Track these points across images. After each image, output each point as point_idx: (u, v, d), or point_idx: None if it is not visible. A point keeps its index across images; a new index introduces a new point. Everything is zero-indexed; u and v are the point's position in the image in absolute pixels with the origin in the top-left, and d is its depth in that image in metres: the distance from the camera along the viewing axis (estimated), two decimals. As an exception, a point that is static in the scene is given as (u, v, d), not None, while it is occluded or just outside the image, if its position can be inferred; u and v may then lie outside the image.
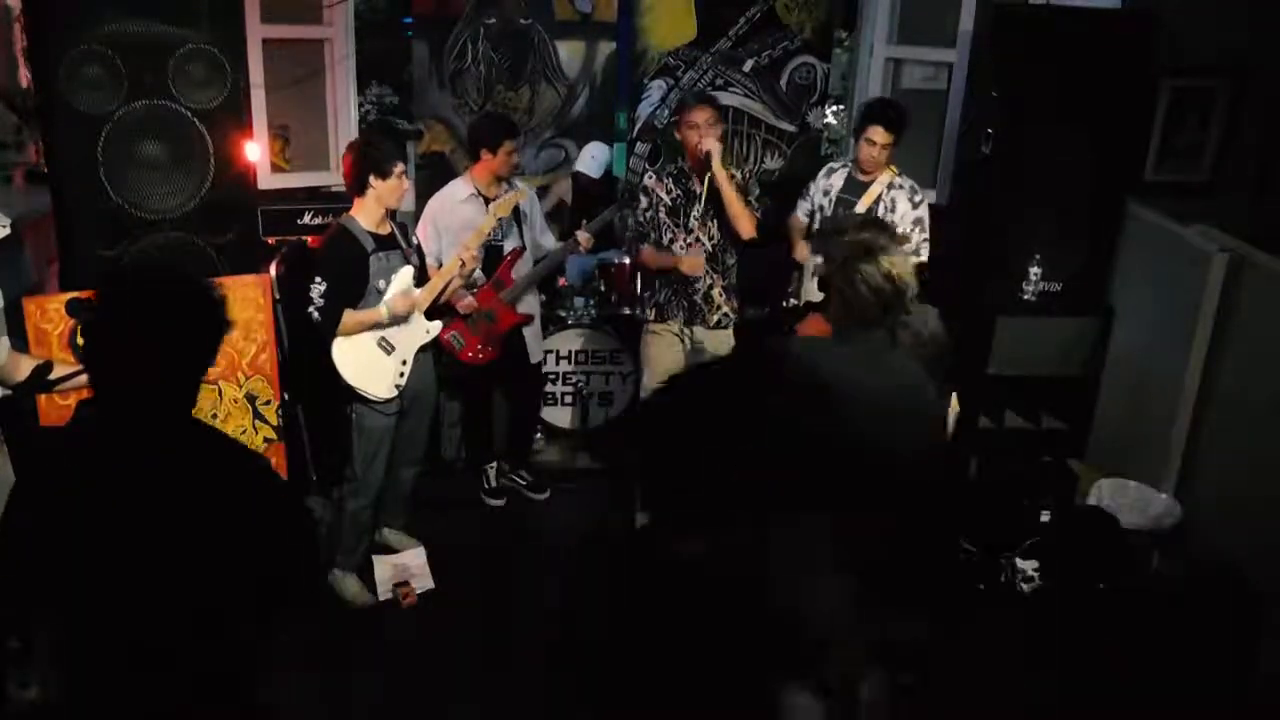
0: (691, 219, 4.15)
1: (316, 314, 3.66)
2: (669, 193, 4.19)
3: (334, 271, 3.68)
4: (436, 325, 4.03)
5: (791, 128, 5.76)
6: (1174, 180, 4.83)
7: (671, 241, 4.19)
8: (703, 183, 4.04)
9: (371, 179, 3.66)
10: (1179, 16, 4.37)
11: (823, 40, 5.67)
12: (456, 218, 4.35)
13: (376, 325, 3.79)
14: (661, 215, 4.19)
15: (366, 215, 3.74)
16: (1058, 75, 4.35)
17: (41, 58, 3.43)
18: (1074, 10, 4.51)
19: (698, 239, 4.16)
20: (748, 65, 5.64)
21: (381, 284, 3.77)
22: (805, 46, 5.64)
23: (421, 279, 3.93)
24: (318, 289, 3.65)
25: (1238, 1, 4.55)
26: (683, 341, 4.28)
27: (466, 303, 4.37)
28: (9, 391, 2.92)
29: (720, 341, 4.25)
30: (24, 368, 2.89)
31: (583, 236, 4.55)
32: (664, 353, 4.26)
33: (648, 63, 5.59)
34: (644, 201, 4.22)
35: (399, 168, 3.70)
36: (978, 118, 4.81)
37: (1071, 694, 3.48)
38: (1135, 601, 3.83)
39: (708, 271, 4.17)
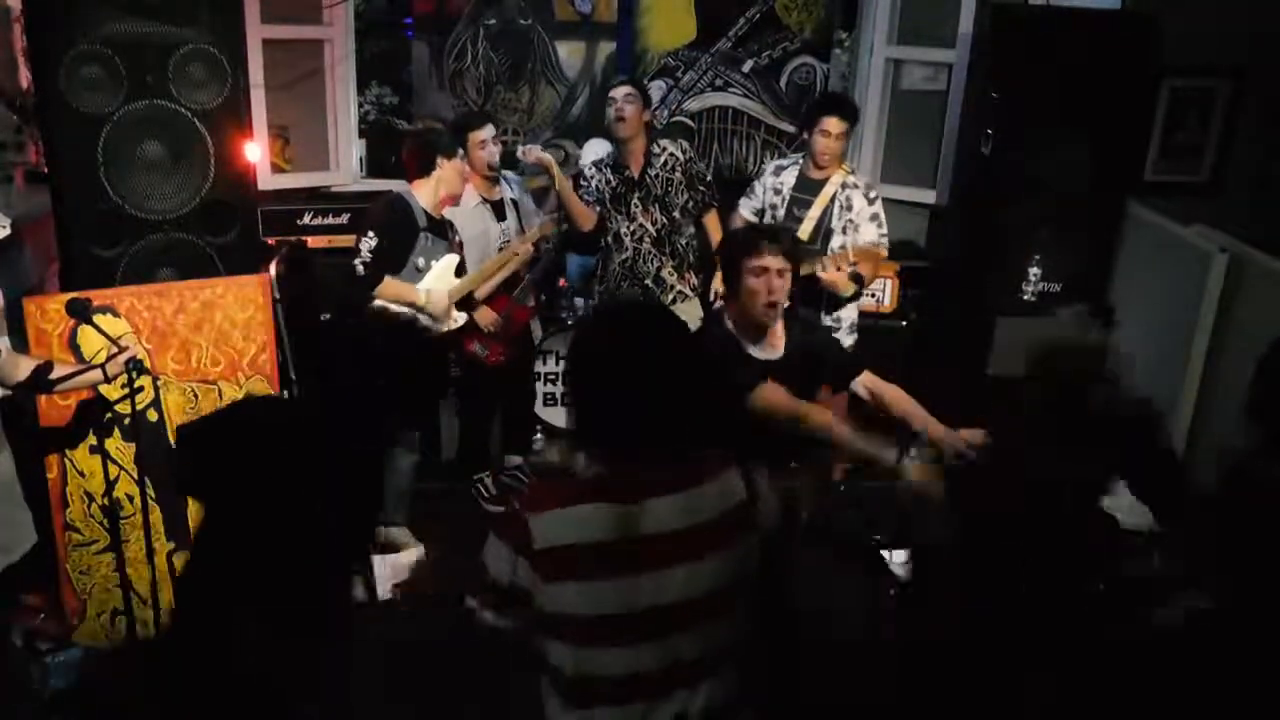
0: (633, 206, 4.31)
1: (361, 268, 3.72)
2: (608, 183, 4.28)
3: (387, 232, 3.76)
4: (462, 317, 4.12)
5: (791, 128, 5.75)
6: (1174, 180, 4.84)
7: (618, 228, 4.35)
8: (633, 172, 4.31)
9: (439, 159, 3.81)
10: (1179, 17, 4.37)
11: (822, 40, 5.66)
12: (470, 226, 4.35)
13: (411, 305, 3.87)
14: (606, 206, 4.36)
15: (424, 195, 3.85)
16: (1058, 76, 4.35)
17: (41, 58, 3.42)
18: (1074, 10, 4.51)
19: (642, 224, 4.30)
20: (747, 65, 5.64)
21: (421, 261, 3.85)
22: (805, 47, 5.64)
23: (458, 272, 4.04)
24: (368, 243, 3.71)
25: (1238, 2, 4.55)
26: None
27: (491, 319, 4.39)
28: (9, 392, 2.92)
29: (683, 315, 4.33)
30: (24, 368, 2.89)
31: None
32: None
33: (647, 63, 5.59)
34: (592, 180, 4.42)
35: (460, 151, 3.90)
36: (977, 118, 4.81)
37: (1071, 694, 3.47)
38: (1135, 601, 3.82)
39: (654, 254, 4.29)
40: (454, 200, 4.01)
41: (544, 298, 5.12)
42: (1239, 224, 4.30)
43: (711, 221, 4.49)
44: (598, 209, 4.36)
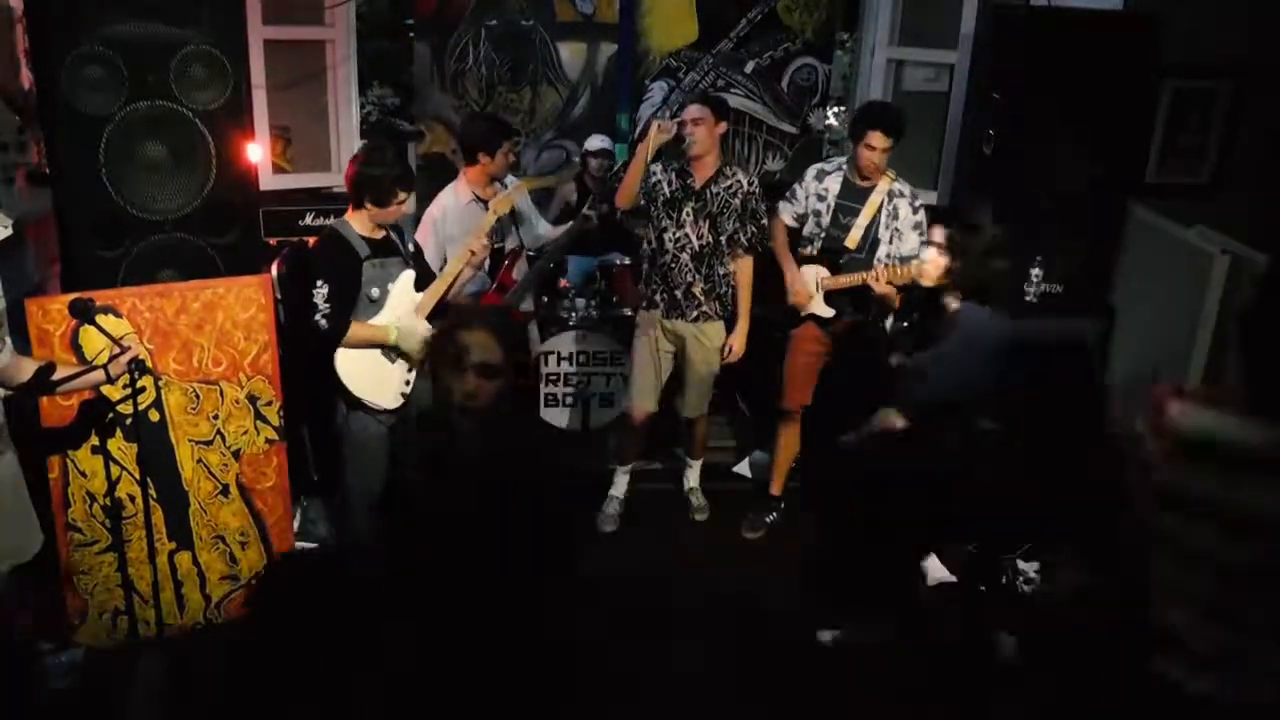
0: (684, 214, 4.24)
1: (324, 321, 3.48)
2: (670, 184, 4.25)
3: (333, 276, 3.53)
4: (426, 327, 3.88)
5: (793, 129, 5.76)
6: (1175, 181, 4.83)
7: (664, 231, 4.28)
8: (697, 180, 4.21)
9: (367, 203, 3.54)
10: (1180, 17, 4.36)
11: (824, 41, 5.67)
12: (460, 226, 4.31)
13: (381, 346, 3.63)
14: (659, 206, 4.27)
15: (361, 222, 3.61)
16: (1059, 76, 4.35)
17: (43, 59, 3.43)
18: (1075, 11, 4.50)
19: (687, 235, 4.25)
20: (749, 66, 5.65)
21: (374, 291, 3.61)
22: (806, 48, 5.65)
23: (423, 281, 3.79)
24: (321, 293, 3.48)
25: (1238, 2, 4.55)
26: (663, 331, 4.39)
27: None
28: (10, 392, 2.92)
29: (699, 334, 4.36)
30: (26, 369, 2.89)
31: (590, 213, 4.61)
32: (641, 340, 4.46)
33: (649, 64, 5.59)
34: (652, 178, 4.28)
35: (399, 198, 3.55)
36: (979, 119, 4.81)
37: (1071, 694, 3.48)
38: (1134, 602, 3.82)
39: (690, 268, 4.26)
40: (381, 230, 3.68)
41: (545, 299, 5.13)
42: (1240, 225, 4.30)
43: (745, 268, 4.32)
44: (642, 201, 4.31)
